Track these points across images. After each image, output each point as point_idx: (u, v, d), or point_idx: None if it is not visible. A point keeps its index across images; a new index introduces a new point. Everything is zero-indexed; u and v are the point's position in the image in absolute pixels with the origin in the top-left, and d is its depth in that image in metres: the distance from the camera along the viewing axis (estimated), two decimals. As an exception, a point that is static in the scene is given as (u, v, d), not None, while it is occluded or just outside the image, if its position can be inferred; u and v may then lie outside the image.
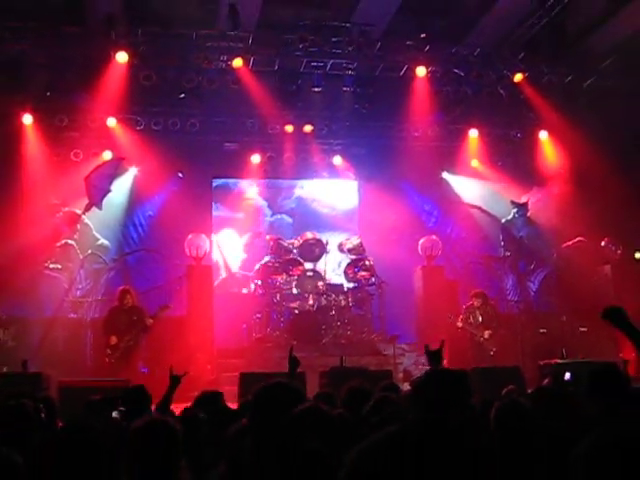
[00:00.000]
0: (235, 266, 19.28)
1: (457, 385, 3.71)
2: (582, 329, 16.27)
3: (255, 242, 19.11)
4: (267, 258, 17.62)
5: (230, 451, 3.96)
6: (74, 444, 2.65)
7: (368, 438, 3.03)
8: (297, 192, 20.23)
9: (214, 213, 19.58)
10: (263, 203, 20.02)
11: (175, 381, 7.23)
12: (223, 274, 19.22)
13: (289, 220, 19.93)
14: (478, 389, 6.65)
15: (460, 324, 15.51)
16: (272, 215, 19.97)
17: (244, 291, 18.30)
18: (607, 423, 2.78)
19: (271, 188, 20.13)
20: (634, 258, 17.72)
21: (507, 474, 3.97)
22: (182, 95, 16.59)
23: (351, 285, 17.44)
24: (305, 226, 18.97)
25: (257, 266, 17.76)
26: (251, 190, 19.82)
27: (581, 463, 2.61)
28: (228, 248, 19.44)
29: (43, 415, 5.90)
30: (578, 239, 18.51)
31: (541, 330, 16.92)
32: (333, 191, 20.33)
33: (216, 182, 19.74)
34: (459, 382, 3.73)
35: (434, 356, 6.10)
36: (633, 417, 4.03)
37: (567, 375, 7.93)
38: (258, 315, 16.88)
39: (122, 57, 15.41)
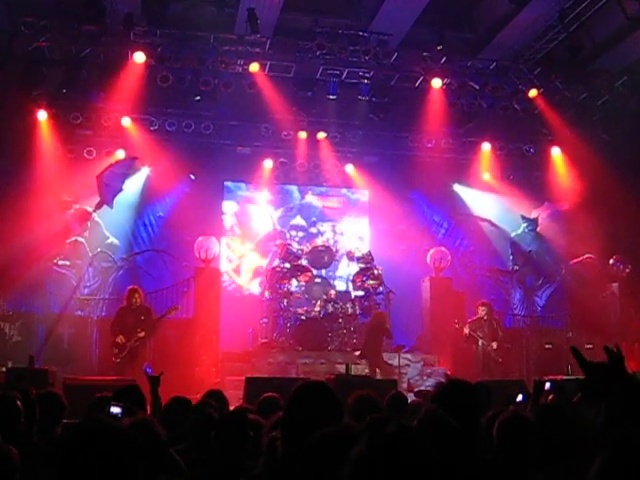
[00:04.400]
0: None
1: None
2: (588, 346, 16.13)
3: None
4: (276, 262, 17.63)
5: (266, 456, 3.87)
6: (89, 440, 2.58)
7: None
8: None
9: (224, 217, 19.68)
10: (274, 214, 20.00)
11: (153, 382, 7.27)
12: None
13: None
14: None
15: (467, 330, 15.45)
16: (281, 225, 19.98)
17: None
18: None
19: (279, 195, 20.13)
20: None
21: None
22: (198, 97, 16.66)
23: (359, 293, 17.40)
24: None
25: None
26: (261, 198, 19.82)
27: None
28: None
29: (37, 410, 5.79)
30: (587, 256, 18.47)
31: (547, 345, 16.85)
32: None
33: (228, 186, 19.80)
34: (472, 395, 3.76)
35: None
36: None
37: (547, 385, 7.86)
38: (265, 319, 16.87)
39: (139, 57, 15.51)
